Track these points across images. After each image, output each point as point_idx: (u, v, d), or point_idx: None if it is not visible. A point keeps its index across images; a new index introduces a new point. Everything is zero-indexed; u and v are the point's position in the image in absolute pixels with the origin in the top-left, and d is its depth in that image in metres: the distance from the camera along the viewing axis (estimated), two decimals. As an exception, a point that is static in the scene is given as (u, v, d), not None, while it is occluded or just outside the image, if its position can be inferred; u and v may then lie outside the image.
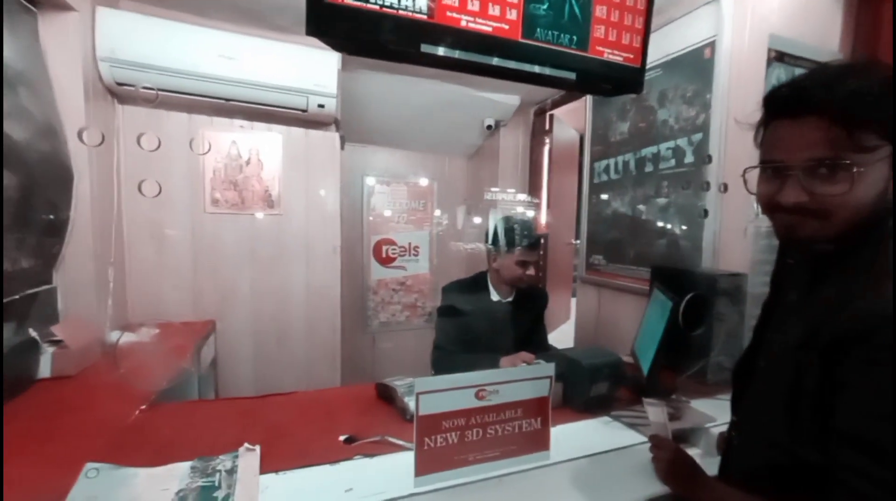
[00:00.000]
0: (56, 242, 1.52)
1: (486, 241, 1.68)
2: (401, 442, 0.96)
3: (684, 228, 1.66)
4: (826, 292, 0.62)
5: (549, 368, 0.93)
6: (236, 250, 2.02)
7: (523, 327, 1.69)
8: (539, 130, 3.12)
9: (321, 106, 1.99)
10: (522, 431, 0.91)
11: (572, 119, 3.17)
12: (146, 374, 1.23)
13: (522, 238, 1.57)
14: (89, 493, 0.75)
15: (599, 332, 2.12)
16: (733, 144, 1.49)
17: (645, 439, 0.99)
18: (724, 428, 0.87)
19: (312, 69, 1.93)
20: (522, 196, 3.13)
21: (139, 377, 1.20)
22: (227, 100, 1.87)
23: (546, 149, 3.11)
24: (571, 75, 0.98)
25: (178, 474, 0.82)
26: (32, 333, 1.27)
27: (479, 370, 0.88)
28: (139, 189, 1.49)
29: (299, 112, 2.01)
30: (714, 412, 1.12)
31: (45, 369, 1.27)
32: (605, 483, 0.87)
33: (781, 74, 1.34)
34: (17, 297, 1.36)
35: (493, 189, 3.09)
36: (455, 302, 1.66)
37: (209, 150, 1.78)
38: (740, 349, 0.80)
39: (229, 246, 2.00)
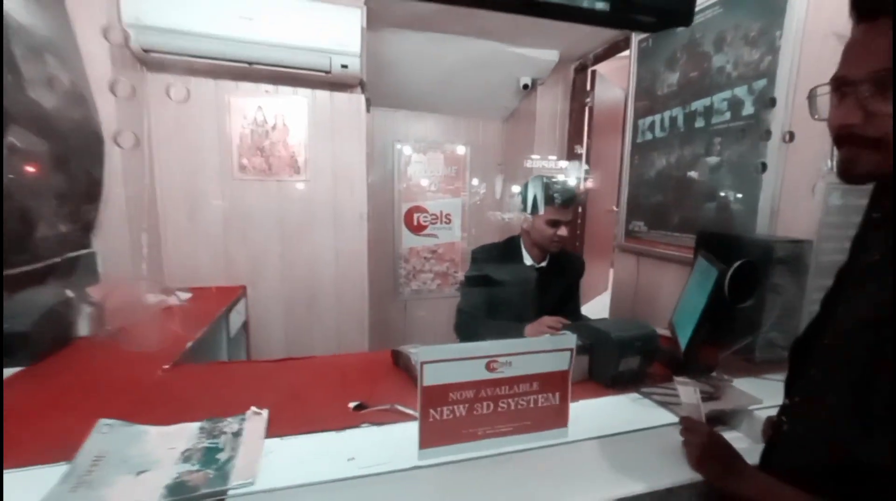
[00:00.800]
0: (92, 208, 1.58)
1: (520, 203, 1.59)
2: (410, 411, 0.93)
3: (738, 189, 1.47)
4: None
5: (569, 339, 0.85)
6: (265, 216, 2.03)
7: (555, 294, 1.60)
8: (580, 89, 2.89)
9: (345, 66, 1.92)
10: (538, 406, 0.84)
11: (617, 78, 2.91)
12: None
13: (554, 195, 1.46)
14: (100, 447, 0.77)
15: (637, 303, 1.98)
16: (805, 87, 1.27)
17: (677, 419, 0.90)
18: (772, 412, 0.76)
19: (334, 27, 1.85)
20: (563, 163, 2.94)
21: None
22: (251, 63, 1.84)
23: (587, 109, 2.89)
24: (604, 5, 0.85)
25: (186, 434, 0.83)
26: (70, 293, 1.33)
27: (503, 336, 0.82)
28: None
29: (323, 74, 1.94)
30: (760, 393, 1.00)
31: (83, 328, 1.34)
32: (629, 464, 0.80)
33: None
34: (58, 260, 1.43)
35: (533, 157, 2.91)
36: (484, 266, 1.59)
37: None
38: (797, 326, 0.67)
39: (258, 212, 2.02)
